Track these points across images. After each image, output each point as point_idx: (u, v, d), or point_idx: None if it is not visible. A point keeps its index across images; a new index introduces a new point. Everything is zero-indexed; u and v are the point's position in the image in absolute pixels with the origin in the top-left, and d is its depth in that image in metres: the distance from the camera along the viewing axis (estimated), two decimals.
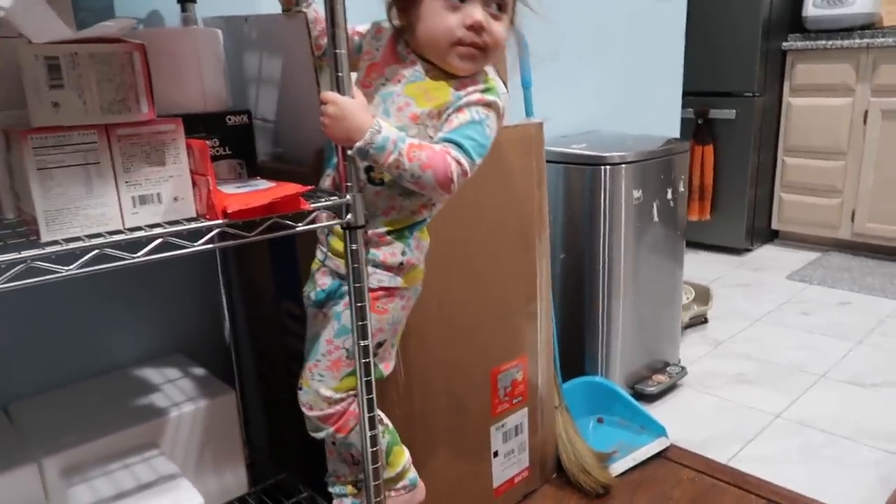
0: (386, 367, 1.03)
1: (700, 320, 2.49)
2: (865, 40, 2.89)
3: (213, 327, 1.37)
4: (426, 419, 1.27)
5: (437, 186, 0.89)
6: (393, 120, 0.93)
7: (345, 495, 1.12)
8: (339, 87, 0.88)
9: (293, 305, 1.24)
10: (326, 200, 0.90)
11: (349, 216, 0.92)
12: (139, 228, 0.80)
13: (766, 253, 3.31)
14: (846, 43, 2.94)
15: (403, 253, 0.97)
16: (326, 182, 1.00)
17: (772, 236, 3.44)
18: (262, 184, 0.94)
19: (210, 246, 0.80)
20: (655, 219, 1.87)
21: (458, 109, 0.92)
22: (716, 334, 2.41)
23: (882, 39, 2.85)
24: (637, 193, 1.80)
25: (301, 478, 1.29)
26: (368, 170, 0.94)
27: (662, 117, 2.51)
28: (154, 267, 1.25)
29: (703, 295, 2.53)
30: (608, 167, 1.74)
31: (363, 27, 1.03)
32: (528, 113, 1.49)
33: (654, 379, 1.96)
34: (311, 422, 1.03)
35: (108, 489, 0.99)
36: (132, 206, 0.81)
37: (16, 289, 0.68)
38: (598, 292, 1.83)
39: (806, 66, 3.10)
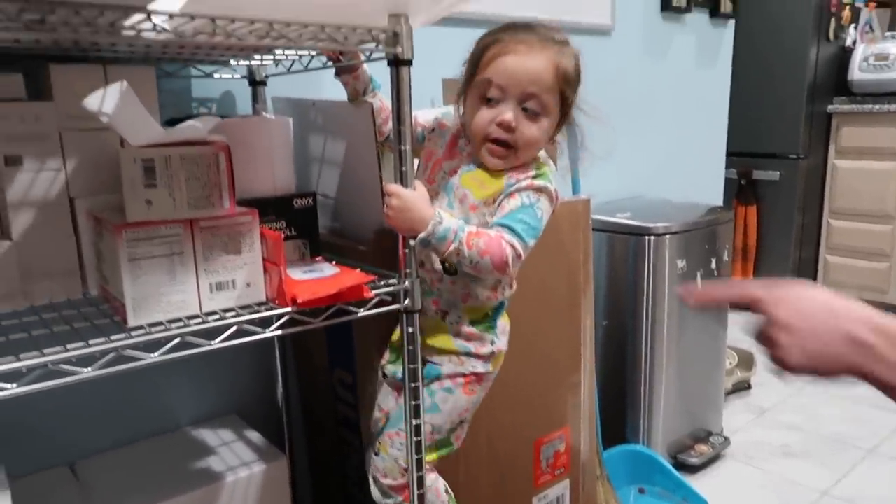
0: (457, 439, 1.08)
1: (744, 386, 2.46)
2: None
3: (266, 391, 1.42)
4: (470, 489, 1.28)
5: (493, 270, 0.93)
6: (456, 211, 0.98)
7: None
8: (402, 180, 0.94)
9: (345, 374, 1.29)
10: (386, 286, 0.95)
11: (407, 301, 0.96)
12: (214, 313, 0.86)
13: None
14: (893, 107, 2.93)
15: (492, 342, 1.04)
16: None
17: None
18: (328, 269, 0.99)
19: (280, 332, 0.85)
20: (699, 288, 1.88)
21: (510, 195, 0.97)
22: (760, 401, 2.37)
23: None
24: (681, 263, 1.82)
25: None
26: (444, 261, 0.99)
27: (706, 182, 2.53)
28: None
29: (746, 360, 2.50)
30: (652, 237, 1.77)
31: (426, 117, 1.09)
32: (576, 191, 1.53)
33: (697, 449, 1.94)
34: (379, 488, 1.05)
35: None
36: (209, 291, 0.86)
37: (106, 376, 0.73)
38: (640, 360, 1.83)
39: (852, 130, 3.09)
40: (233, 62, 1.21)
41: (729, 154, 2.87)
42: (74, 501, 1.10)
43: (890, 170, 2.99)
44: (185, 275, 0.84)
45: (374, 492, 1.06)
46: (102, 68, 0.96)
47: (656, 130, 2.29)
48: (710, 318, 1.94)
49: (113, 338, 0.76)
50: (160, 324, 0.82)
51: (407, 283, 0.96)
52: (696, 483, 1.77)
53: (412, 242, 0.93)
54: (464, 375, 1.03)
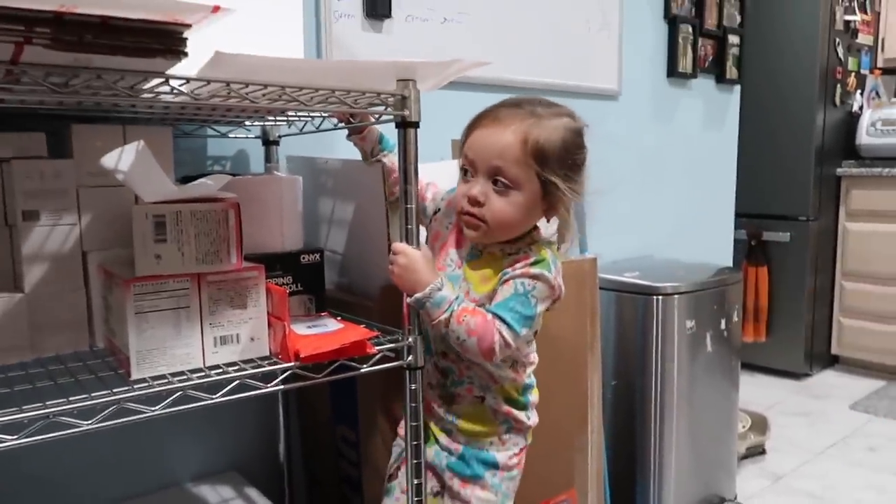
0: None
1: (758, 451, 2.39)
2: None
3: (268, 447, 1.40)
4: None
5: (479, 353, 0.92)
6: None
7: None
8: (408, 238, 0.96)
9: (348, 431, 1.28)
10: (390, 342, 0.96)
11: (410, 358, 0.97)
12: (217, 367, 0.87)
13: (827, 379, 3.19)
14: None
15: (528, 418, 1.05)
16: None
17: (832, 361, 3.32)
18: (332, 324, 1.00)
19: (282, 387, 0.86)
20: (709, 348, 1.86)
21: (505, 282, 0.95)
22: (774, 467, 2.30)
23: None
24: (690, 324, 1.80)
25: None
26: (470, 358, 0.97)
27: (715, 243, 2.53)
28: None
29: (760, 424, 2.44)
30: (661, 297, 1.76)
31: (435, 191, 1.09)
32: (583, 250, 1.54)
33: None
34: None
35: None
36: (213, 345, 0.87)
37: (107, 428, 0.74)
38: (649, 421, 1.80)
39: (861, 192, 3.10)
40: (247, 123, 1.26)
41: (739, 215, 2.89)
42: None
43: None
44: (191, 329, 0.85)
45: None
46: (122, 128, 1.00)
47: (665, 191, 2.32)
48: (721, 378, 1.91)
49: (115, 391, 0.76)
50: (163, 377, 0.82)
51: (410, 339, 0.96)
52: None
53: (409, 300, 0.94)
54: (515, 454, 1.04)
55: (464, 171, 0.97)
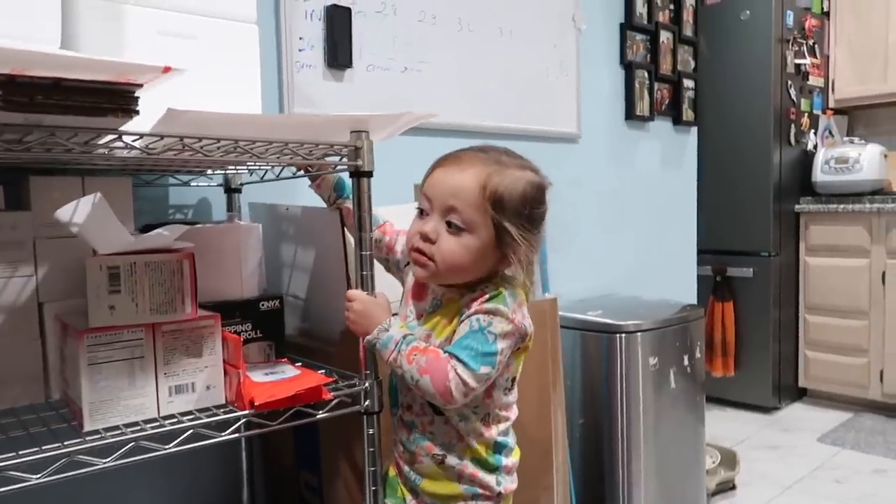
0: None
1: (728, 486, 2.40)
2: (876, 205, 2.99)
3: (231, 493, 1.39)
4: None
5: (436, 394, 0.89)
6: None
7: None
8: (363, 284, 0.98)
9: (311, 476, 1.27)
10: (347, 388, 0.97)
11: (367, 402, 0.98)
12: (172, 416, 0.87)
13: (795, 412, 3.23)
14: (857, 207, 3.04)
15: (498, 483, 0.98)
16: None
17: (800, 394, 3.37)
18: (289, 370, 1.01)
19: (237, 436, 0.86)
20: (673, 385, 1.89)
21: (461, 322, 0.93)
22: (746, 503, 2.32)
23: (892, 205, 2.95)
24: (653, 360, 1.83)
25: None
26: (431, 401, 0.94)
27: (679, 280, 2.59)
28: None
29: (729, 459, 2.46)
30: (623, 335, 1.79)
31: (404, 239, 1.04)
32: (545, 290, 1.57)
33: None
34: None
35: None
36: (168, 395, 0.88)
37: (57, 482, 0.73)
38: (617, 459, 1.81)
39: (819, 228, 3.19)
40: (209, 171, 1.28)
41: (704, 252, 2.95)
42: None
43: (860, 266, 3.07)
44: (145, 378, 0.86)
45: None
46: (81, 179, 1.02)
47: (627, 231, 2.37)
48: (686, 414, 1.93)
49: (66, 443, 0.76)
50: (117, 428, 0.82)
51: (367, 384, 0.98)
52: None
53: (364, 344, 0.96)
54: None
55: (420, 210, 0.96)
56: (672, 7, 2.48)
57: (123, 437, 0.79)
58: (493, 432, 0.97)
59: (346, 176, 1.06)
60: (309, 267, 1.26)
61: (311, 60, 1.50)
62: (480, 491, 0.96)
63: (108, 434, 0.80)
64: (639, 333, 1.80)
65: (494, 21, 1.88)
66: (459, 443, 0.96)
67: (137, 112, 0.71)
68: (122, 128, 0.75)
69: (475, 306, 0.92)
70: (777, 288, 3.15)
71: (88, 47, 0.86)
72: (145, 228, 1.08)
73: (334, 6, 1.52)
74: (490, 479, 0.97)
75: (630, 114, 2.33)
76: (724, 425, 3.02)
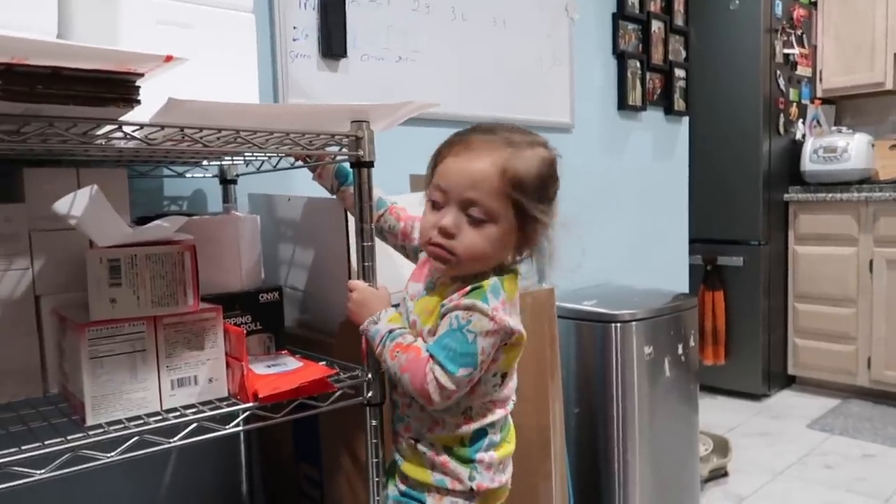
0: None
1: (720, 473, 2.43)
2: (864, 194, 3.02)
3: (230, 487, 1.38)
4: None
5: (416, 393, 0.87)
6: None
7: None
8: (365, 275, 0.97)
9: (311, 468, 1.27)
10: (350, 379, 0.96)
11: (370, 393, 0.97)
12: (175, 410, 0.86)
13: (785, 399, 3.27)
14: (845, 196, 3.07)
15: (471, 478, 0.91)
16: None
17: (789, 381, 3.41)
18: (291, 363, 1.00)
19: (240, 429, 0.85)
20: (667, 373, 1.90)
21: (443, 316, 0.89)
22: (738, 489, 2.34)
23: (879, 194, 2.98)
24: (648, 350, 1.84)
25: None
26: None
27: (671, 269, 2.60)
28: None
29: (721, 446, 2.49)
30: (619, 325, 1.80)
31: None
32: (541, 280, 1.57)
33: None
34: None
35: None
36: (170, 388, 0.87)
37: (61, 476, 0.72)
38: (612, 447, 1.82)
39: (808, 217, 3.22)
40: (204, 162, 1.26)
41: (695, 241, 2.97)
42: None
43: (848, 255, 3.10)
44: (147, 372, 0.85)
45: None
46: (76, 171, 1.00)
47: (619, 220, 2.38)
48: (680, 403, 1.95)
49: (69, 438, 0.75)
50: (119, 422, 0.81)
51: (369, 375, 0.97)
52: None
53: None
54: None
55: (432, 202, 0.91)
56: None
57: (128, 432, 0.78)
58: (472, 426, 0.92)
59: (346, 163, 1.05)
60: (309, 258, 1.25)
61: (305, 50, 1.48)
62: (450, 484, 0.91)
63: (112, 428, 0.79)
64: (634, 323, 1.81)
65: (488, 10, 1.87)
66: (430, 433, 0.92)
67: (139, 102, 0.70)
68: (123, 118, 0.74)
69: (455, 300, 0.89)
70: (766, 276, 3.18)
71: (85, 37, 0.85)
72: (141, 220, 1.07)
73: None
74: (462, 470, 0.91)
75: (623, 104, 2.33)
76: (714, 413, 3.05)
